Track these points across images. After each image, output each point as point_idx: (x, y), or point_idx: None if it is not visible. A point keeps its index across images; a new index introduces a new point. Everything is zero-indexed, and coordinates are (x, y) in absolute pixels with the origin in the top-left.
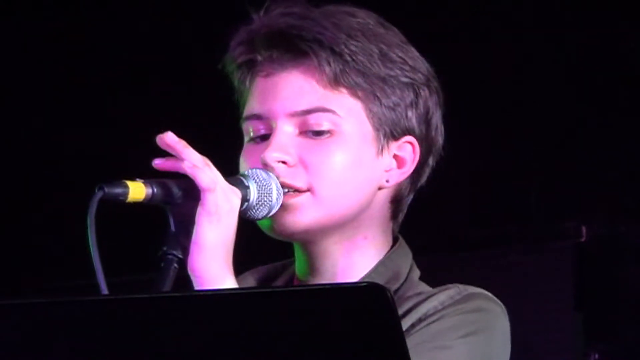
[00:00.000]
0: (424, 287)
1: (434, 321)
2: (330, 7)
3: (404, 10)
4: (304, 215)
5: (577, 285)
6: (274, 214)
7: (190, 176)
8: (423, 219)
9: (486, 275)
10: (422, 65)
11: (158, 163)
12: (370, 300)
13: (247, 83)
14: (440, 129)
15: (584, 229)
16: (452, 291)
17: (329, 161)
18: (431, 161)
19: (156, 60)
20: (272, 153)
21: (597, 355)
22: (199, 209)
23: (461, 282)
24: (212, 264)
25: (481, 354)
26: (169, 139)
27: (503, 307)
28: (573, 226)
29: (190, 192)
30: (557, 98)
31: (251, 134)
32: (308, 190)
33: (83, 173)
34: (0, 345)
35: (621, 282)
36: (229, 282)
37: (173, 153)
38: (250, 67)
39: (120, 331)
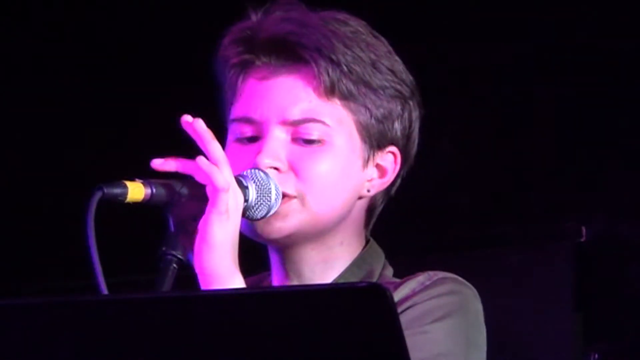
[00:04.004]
0: (396, 280)
1: (407, 308)
2: (325, 14)
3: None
4: (291, 222)
5: (577, 285)
6: (260, 218)
7: (206, 174)
8: (423, 219)
9: (486, 275)
10: (407, 77)
11: (158, 164)
12: (370, 301)
13: (239, 83)
14: (416, 142)
15: (584, 229)
16: (422, 277)
17: (319, 170)
18: (403, 172)
19: (155, 60)
20: (265, 159)
21: (597, 355)
22: (209, 208)
23: None
24: (222, 261)
25: (458, 335)
26: (198, 125)
27: (474, 289)
28: (573, 226)
29: (192, 192)
30: (557, 97)
31: (238, 135)
32: (297, 197)
33: (83, 173)
34: (0, 345)
35: (621, 282)
36: (237, 279)
37: (196, 141)
38: (244, 68)
39: (119, 331)
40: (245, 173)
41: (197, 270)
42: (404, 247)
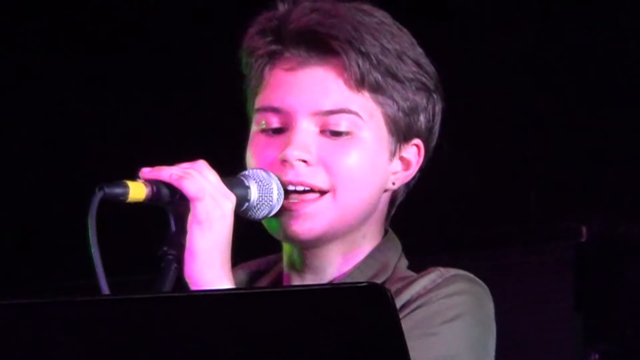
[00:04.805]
0: (409, 273)
1: (417, 307)
2: (351, 6)
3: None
4: (321, 221)
5: (577, 285)
6: (287, 219)
7: (177, 187)
8: (423, 219)
9: (486, 275)
10: (431, 69)
11: (145, 173)
12: (370, 300)
13: (265, 73)
14: (437, 134)
15: (584, 229)
16: (434, 275)
17: (348, 163)
18: (423, 164)
19: (155, 60)
20: (294, 151)
21: (597, 355)
22: (190, 218)
23: None
24: (207, 270)
25: (467, 337)
26: (145, 174)
27: (486, 287)
28: (573, 226)
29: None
30: (556, 98)
31: (263, 125)
32: (329, 190)
33: (83, 173)
34: (0, 345)
35: (621, 282)
36: (225, 286)
37: (159, 179)
38: (271, 58)
39: (120, 331)
40: (246, 172)
41: (187, 280)
42: (404, 247)
